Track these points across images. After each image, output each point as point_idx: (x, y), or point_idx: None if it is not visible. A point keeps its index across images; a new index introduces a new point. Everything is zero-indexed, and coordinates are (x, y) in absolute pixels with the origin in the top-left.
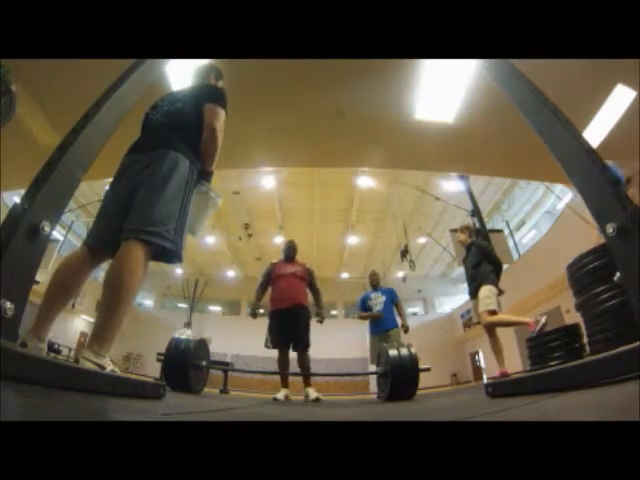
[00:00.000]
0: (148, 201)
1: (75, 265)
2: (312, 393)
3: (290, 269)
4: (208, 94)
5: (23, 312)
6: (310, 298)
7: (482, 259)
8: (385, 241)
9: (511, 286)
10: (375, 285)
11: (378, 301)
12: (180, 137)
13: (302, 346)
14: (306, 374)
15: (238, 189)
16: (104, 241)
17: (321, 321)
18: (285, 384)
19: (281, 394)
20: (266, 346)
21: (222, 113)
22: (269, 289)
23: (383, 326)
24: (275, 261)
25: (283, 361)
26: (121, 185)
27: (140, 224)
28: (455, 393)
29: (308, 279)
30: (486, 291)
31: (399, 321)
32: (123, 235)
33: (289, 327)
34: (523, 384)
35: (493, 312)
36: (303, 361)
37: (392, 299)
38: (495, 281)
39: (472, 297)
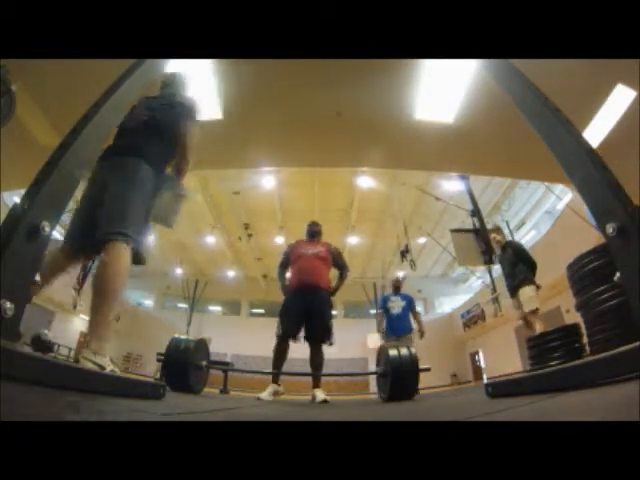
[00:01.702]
0: (114, 205)
1: (52, 263)
2: (320, 395)
3: (312, 249)
4: (187, 110)
5: (23, 312)
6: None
7: (518, 259)
8: (385, 241)
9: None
10: (397, 288)
11: (397, 305)
12: (148, 144)
13: (317, 337)
14: (314, 374)
15: (238, 189)
16: (78, 243)
17: (332, 294)
18: (275, 379)
19: (266, 393)
20: (277, 335)
21: (197, 130)
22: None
23: (399, 331)
24: (296, 241)
25: (280, 350)
26: (91, 190)
27: (112, 226)
28: (455, 393)
29: (332, 260)
30: (530, 292)
31: (414, 326)
32: (101, 238)
33: (303, 311)
34: (523, 384)
35: (536, 310)
36: (316, 359)
37: (410, 306)
38: (533, 280)
39: (512, 295)
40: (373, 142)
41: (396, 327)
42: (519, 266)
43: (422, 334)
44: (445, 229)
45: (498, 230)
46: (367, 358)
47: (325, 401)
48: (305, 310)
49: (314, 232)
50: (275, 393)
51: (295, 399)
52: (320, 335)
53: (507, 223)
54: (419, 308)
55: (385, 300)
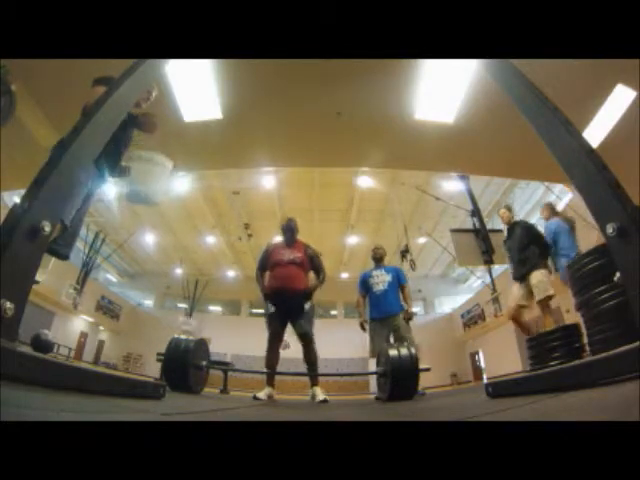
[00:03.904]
0: None
1: None
2: (320, 394)
3: (288, 255)
4: None
5: (23, 312)
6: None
7: (530, 241)
8: (385, 241)
9: (511, 286)
10: (378, 260)
11: (380, 280)
12: None
13: (303, 336)
14: (311, 374)
15: (238, 189)
16: None
17: (309, 294)
18: (270, 382)
19: (263, 393)
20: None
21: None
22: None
23: (386, 309)
24: (272, 243)
25: (271, 355)
26: None
27: None
28: (455, 393)
29: (310, 265)
30: (540, 275)
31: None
32: None
33: (286, 316)
34: (523, 384)
35: (551, 297)
36: (309, 355)
37: (398, 280)
38: (546, 264)
39: (521, 281)
40: (373, 142)
41: (382, 306)
42: (530, 249)
43: (409, 317)
44: (445, 229)
45: (508, 207)
46: (367, 358)
47: (325, 401)
48: (287, 315)
49: (291, 239)
50: (269, 396)
51: (295, 399)
52: (304, 333)
53: None
54: (418, 308)
55: (364, 279)
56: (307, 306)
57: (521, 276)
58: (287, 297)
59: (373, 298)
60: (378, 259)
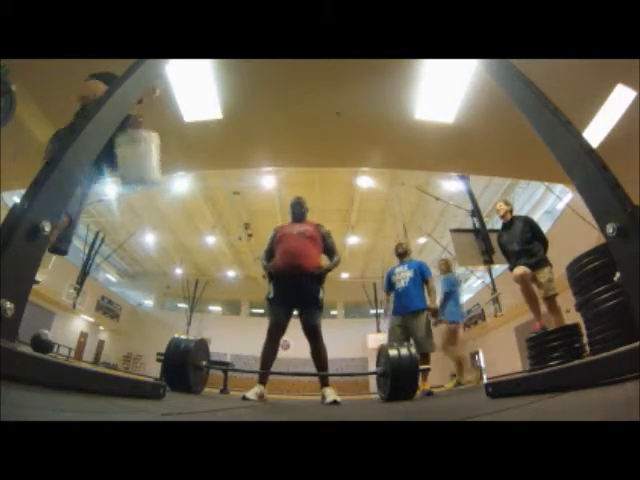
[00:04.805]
0: None
1: None
2: (330, 395)
3: (297, 228)
4: None
5: (23, 312)
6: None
7: (533, 235)
8: (385, 241)
9: (512, 286)
10: (402, 256)
11: (402, 276)
12: None
13: (310, 328)
14: (312, 374)
15: (238, 189)
16: None
17: (320, 275)
18: (263, 379)
19: (252, 392)
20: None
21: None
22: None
23: (408, 305)
24: (281, 224)
25: (268, 349)
26: None
27: None
28: (455, 393)
29: (321, 241)
30: (549, 274)
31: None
32: None
33: (292, 302)
34: (523, 384)
35: (557, 294)
36: (317, 353)
37: (421, 274)
38: (549, 262)
39: (532, 267)
40: (373, 142)
41: (403, 303)
42: (536, 243)
43: (433, 312)
44: (445, 229)
45: (505, 201)
46: (367, 358)
47: (335, 402)
48: (294, 300)
49: (300, 214)
50: (260, 396)
51: (296, 399)
52: (311, 323)
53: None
54: None
55: (389, 276)
56: (320, 294)
57: (527, 265)
58: (297, 277)
59: (396, 295)
60: (402, 254)
